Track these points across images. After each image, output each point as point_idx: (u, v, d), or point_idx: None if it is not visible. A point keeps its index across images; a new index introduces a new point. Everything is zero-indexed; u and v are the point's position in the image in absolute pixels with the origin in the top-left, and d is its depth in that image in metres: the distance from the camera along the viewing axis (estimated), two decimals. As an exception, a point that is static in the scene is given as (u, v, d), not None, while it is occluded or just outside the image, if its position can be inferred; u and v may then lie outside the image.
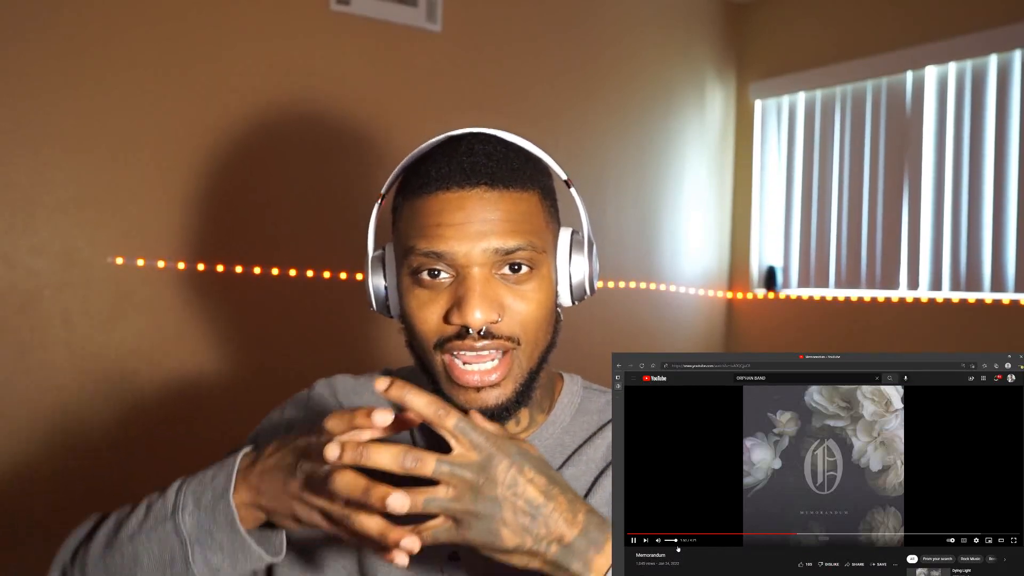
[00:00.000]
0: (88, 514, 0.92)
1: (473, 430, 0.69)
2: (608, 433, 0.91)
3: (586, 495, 0.88)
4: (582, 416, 0.93)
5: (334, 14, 2.27)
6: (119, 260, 2.00)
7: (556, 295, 0.87)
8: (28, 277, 1.89)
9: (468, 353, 0.81)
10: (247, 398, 2.16)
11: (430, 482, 0.68)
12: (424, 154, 0.86)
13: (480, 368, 0.81)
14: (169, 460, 2.06)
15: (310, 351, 2.24)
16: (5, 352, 1.87)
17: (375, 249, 0.93)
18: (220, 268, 2.11)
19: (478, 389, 0.82)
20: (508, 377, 0.82)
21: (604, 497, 0.86)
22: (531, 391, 0.85)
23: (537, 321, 0.83)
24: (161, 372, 2.04)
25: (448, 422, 0.68)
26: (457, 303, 0.79)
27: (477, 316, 0.78)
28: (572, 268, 0.88)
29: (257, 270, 2.16)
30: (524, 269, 0.82)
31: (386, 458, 0.66)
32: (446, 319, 0.81)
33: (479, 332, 0.80)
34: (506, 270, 0.81)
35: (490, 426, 0.72)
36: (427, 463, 0.67)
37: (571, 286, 0.88)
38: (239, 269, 2.14)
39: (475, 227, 0.79)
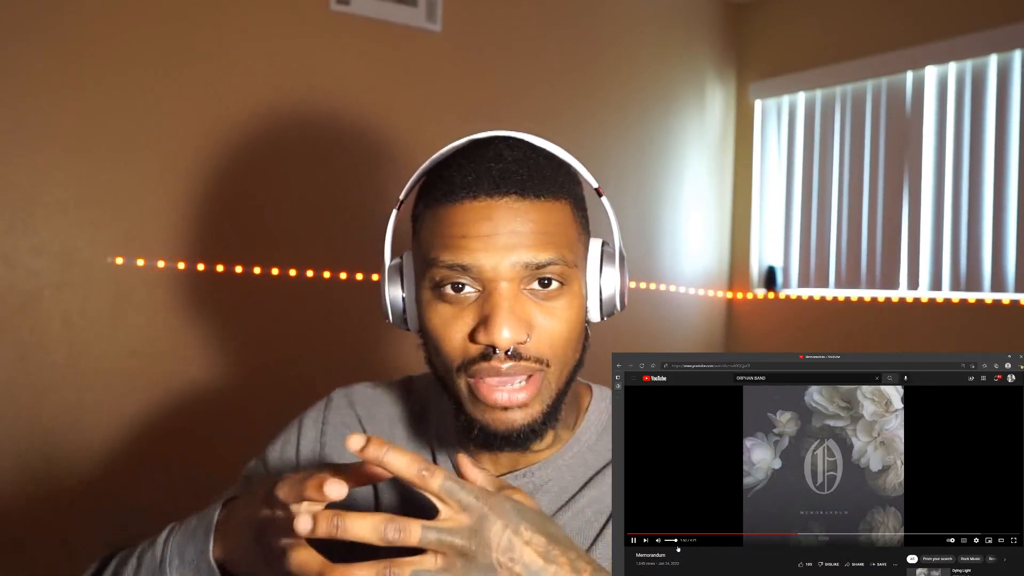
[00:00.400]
0: (96, 556, 0.90)
1: (462, 489, 0.62)
2: None
3: (607, 520, 0.82)
4: (609, 434, 0.86)
5: (334, 14, 2.27)
6: (119, 260, 2.00)
7: (586, 311, 0.81)
8: (28, 277, 1.89)
9: (494, 379, 0.75)
10: (247, 398, 2.16)
11: (416, 550, 0.62)
12: (448, 158, 0.79)
13: (509, 387, 0.75)
14: (169, 460, 2.06)
15: (310, 351, 2.24)
16: (5, 352, 1.87)
17: (392, 258, 0.87)
18: (220, 268, 2.11)
19: (505, 409, 0.76)
20: (536, 398, 0.76)
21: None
22: (558, 412, 0.79)
23: (567, 341, 0.77)
24: (161, 372, 2.04)
25: (433, 483, 0.61)
26: (484, 321, 0.73)
27: (505, 335, 0.72)
28: (603, 282, 0.82)
29: (257, 270, 2.16)
30: (555, 285, 0.76)
31: (365, 529, 0.59)
32: (471, 338, 0.75)
33: (507, 352, 0.73)
34: (535, 285, 0.75)
35: (480, 477, 0.67)
36: (412, 532, 0.60)
37: (601, 301, 0.81)
38: (239, 269, 2.14)
39: (504, 239, 0.73)
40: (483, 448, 0.81)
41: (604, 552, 0.80)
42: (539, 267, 0.74)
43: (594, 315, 0.82)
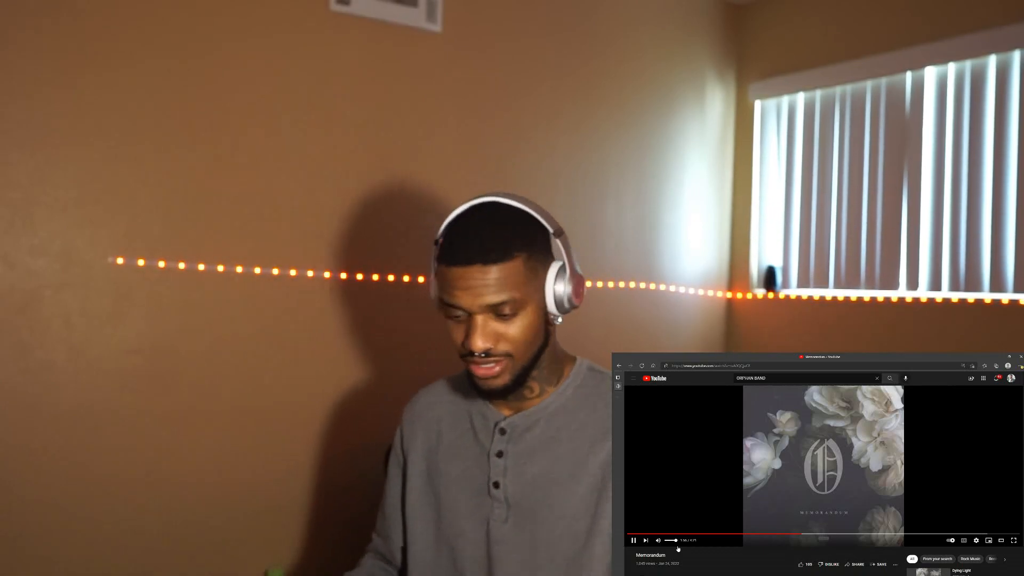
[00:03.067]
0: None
1: None
2: (604, 406, 1.28)
3: (586, 457, 1.25)
4: (583, 390, 1.31)
5: (334, 14, 2.27)
6: (119, 260, 2.00)
7: (546, 312, 1.25)
8: (28, 277, 1.89)
9: (480, 366, 1.23)
10: (247, 398, 2.16)
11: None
12: (452, 225, 1.24)
13: (486, 367, 1.22)
14: (169, 460, 2.06)
15: (311, 351, 2.24)
16: (5, 352, 1.87)
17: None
18: (220, 268, 2.11)
19: (484, 378, 1.23)
20: (505, 372, 1.23)
21: (602, 459, 1.23)
22: (526, 378, 1.26)
23: (525, 340, 1.22)
24: (161, 372, 2.04)
25: None
26: (467, 335, 1.20)
27: (479, 345, 1.19)
28: (556, 293, 1.24)
29: (257, 270, 2.17)
30: (508, 311, 1.19)
31: None
32: (463, 343, 1.22)
33: (482, 354, 1.20)
34: (496, 314, 1.20)
35: None
36: None
37: (555, 304, 1.25)
38: (239, 269, 2.14)
39: (475, 290, 1.18)
40: (489, 399, 1.30)
41: (605, 455, 1.23)
42: (497, 305, 1.18)
43: (554, 311, 1.26)
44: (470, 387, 1.32)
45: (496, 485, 1.27)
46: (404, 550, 1.40)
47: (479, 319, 1.19)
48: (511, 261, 1.19)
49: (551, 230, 1.26)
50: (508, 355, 1.21)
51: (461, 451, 1.34)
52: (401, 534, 1.41)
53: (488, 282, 1.18)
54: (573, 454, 1.26)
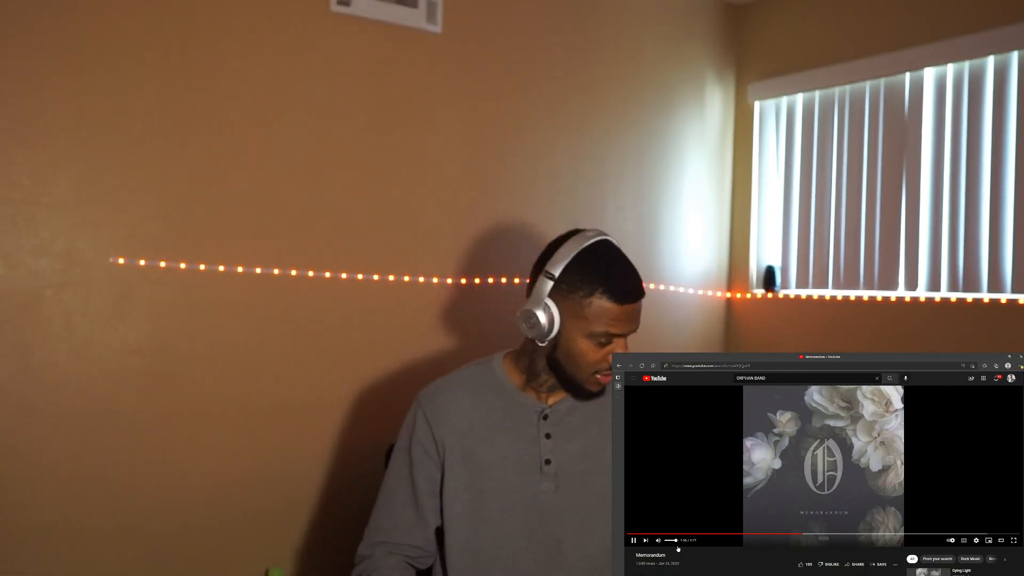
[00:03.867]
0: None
1: None
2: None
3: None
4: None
5: (334, 15, 2.27)
6: (121, 260, 2.00)
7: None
8: (29, 277, 1.90)
9: (607, 376, 1.48)
10: (248, 398, 2.16)
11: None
12: (604, 266, 1.49)
13: (609, 375, 1.49)
14: (170, 460, 2.06)
15: (311, 351, 2.24)
16: (7, 352, 1.88)
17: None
18: (221, 268, 2.12)
19: (604, 384, 1.52)
20: None
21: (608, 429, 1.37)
22: None
23: None
24: (163, 372, 2.04)
25: None
26: (609, 352, 1.47)
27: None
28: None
29: (258, 270, 2.17)
30: None
31: None
32: (602, 359, 1.47)
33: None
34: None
35: None
36: None
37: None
38: (240, 269, 2.14)
39: (634, 321, 1.50)
40: (588, 399, 1.53)
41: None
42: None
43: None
44: (492, 383, 1.55)
45: (548, 462, 1.48)
46: (440, 531, 1.53)
47: (623, 340, 1.48)
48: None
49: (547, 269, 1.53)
50: None
51: (499, 437, 1.50)
52: (438, 515, 1.53)
53: (638, 311, 1.47)
54: (603, 431, 1.52)
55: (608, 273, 1.45)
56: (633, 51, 2.90)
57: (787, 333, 2.99)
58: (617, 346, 1.47)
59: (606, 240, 1.51)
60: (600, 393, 1.52)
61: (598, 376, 1.48)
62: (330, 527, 2.28)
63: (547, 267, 1.45)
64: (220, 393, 2.12)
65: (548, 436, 1.50)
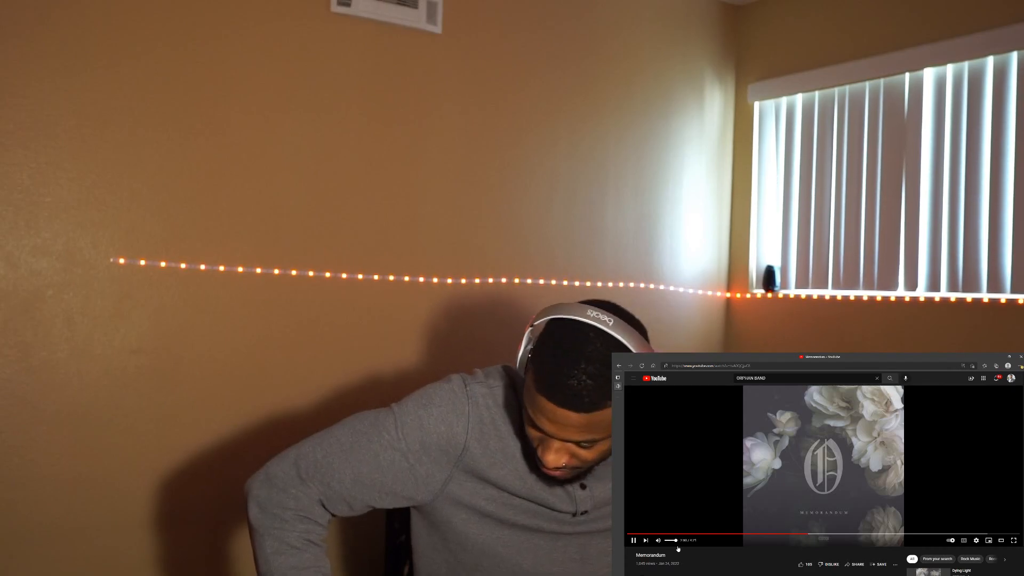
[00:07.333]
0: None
1: None
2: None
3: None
4: None
5: (335, 16, 2.27)
6: (121, 260, 2.00)
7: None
8: (30, 277, 1.90)
9: (550, 470, 1.26)
10: (248, 398, 2.16)
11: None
12: (550, 351, 1.20)
13: (556, 471, 1.27)
14: (170, 460, 2.06)
15: (311, 351, 2.25)
16: (8, 352, 1.88)
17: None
18: (221, 268, 2.12)
19: (551, 476, 1.30)
20: (571, 474, 1.30)
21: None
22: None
23: (598, 460, 1.28)
24: (163, 372, 2.05)
25: None
26: (543, 450, 1.24)
27: (550, 461, 1.24)
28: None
29: (258, 270, 2.17)
30: (588, 445, 1.23)
31: None
32: (536, 450, 1.26)
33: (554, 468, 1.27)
34: (578, 444, 1.23)
35: None
36: None
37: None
38: (240, 269, 2.15)
39: (560, 426, 1.19)
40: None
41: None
42: (579, 441, 1.22)
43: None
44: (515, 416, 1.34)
45: (583, 486, 1.34)
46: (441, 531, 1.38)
47: (556, 443, 1.19)
48: (602, 411, 1.13)
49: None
50: (577, 467, 1.24)
51: (529, 509, 1.34)
52: (358, 511, 1.36)
53: (576, 424, 1.14)
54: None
55: (549, 357, 1.16)
56: (633, 51, 2.90)
57: (787, 333, 2.99)
58: (549, 448, 1.19)
59: (595, 327, 1.19)
60: (563, 482, 1.30)
61: (545, 470, 1.25)
62: (330, 527, 2.28)
63: (533, 320, 1.26)
64: (220, 393, 2.12)
65: (583, 487, 1.34)
